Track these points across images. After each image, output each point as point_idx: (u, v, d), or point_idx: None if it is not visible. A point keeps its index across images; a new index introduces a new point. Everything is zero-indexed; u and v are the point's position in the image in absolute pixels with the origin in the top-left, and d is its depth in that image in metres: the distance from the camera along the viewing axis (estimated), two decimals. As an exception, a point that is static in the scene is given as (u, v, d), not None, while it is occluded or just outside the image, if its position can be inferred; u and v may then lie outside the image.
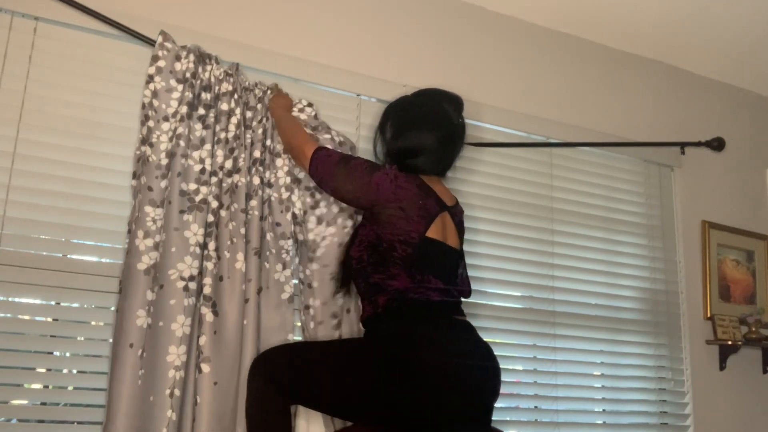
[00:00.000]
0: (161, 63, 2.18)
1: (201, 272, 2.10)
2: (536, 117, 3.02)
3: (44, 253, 2.15)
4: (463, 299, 2.13)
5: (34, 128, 2.18)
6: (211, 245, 2.11)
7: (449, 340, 1.94)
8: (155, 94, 2.15)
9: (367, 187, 2.03)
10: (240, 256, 2.15)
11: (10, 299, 2.11)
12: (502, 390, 2.72)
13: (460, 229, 2.21)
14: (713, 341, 3.17)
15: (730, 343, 3.11)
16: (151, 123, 2.14)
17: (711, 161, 3.43)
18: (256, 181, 2.24)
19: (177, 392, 1.97)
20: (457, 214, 2.20)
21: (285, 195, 2.27)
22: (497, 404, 2.71)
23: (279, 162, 2.30)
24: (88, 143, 2.23)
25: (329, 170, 2.08)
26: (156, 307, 2.02)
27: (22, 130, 2.16)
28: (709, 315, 3.21)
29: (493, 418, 2.65)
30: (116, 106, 2.28)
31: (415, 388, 1.83)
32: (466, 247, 2.74)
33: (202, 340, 2.05)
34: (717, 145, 3.11)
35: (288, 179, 2.29)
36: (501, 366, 2.71)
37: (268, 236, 2.23)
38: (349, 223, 2.30)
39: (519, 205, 2.92)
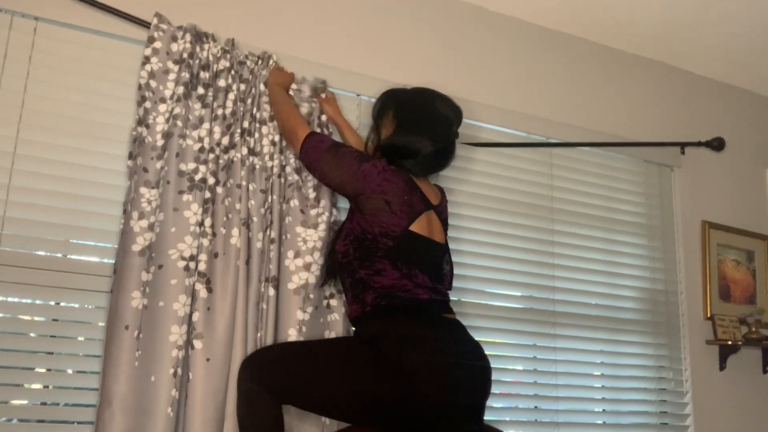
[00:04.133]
0: (157, 44, 2.19)
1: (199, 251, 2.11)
2: (536, 117, 3.02)
3: (44, 253, 2.15)
4: (450, 297, 2.14)
5: (34, 128, 2.18)
6: (207, 222, 2.12)
7: (438, 339, 1.94)
8: (152, 75, 2.17)
9: (355, 175, 2.04)
10: (235, 231, 2.16)
11: (10, 299, 2.11)
12: (502, 390, 2.74)
13: (445, 226, 2.23)
14: (713, 341, 3.16)
15: (730, 343, 3.11)
16: (147, 104, 2.15)
17: (711, 161, 3.43)
18: (244, 150, 2.26)
19: (179, 371, 1.99)
20: (442, 212, 2.21)
21: (269, 163, 2.28)
22: (497, 404, 2.74)
23: (264, 129, 2.31)
24: (88, 143, 2.23)
25: (318, 155, 2.09)
26: (154, 287, 2.03)
27: (22, 130, 2.16)
28: (709, 315, 3.21)
29: (493, 418, 2.66)
30: (116, 106, 2.28)
31: (404, 387, 1.83)
32: (465, 248, 2.76)
33: (195, 316, 2.05)
34: (717, 145, 3.11)
35: (272, 148, 2.30)
36: (501, 366, 2.74)
37: (250, 204, 2.23)
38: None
39: (519, 205, 2.91)
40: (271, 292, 2.19)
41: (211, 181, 2.15)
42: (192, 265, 2.07)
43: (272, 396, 1.92)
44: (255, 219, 2.22)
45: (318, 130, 2.43)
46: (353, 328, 2.12)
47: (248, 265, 2.18)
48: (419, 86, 2.27)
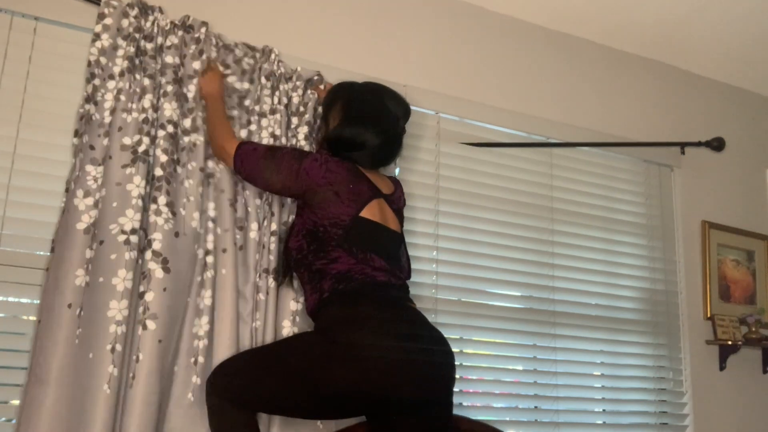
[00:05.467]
0: (108, 21, 2.16)
1: (143, 226, 2.07)
2: (536, 117, 3.02)
3: (44, 253, 2.14)
4: (408, 284, 2.13)
5: (34, 128, 2.18)
6: (162, 200, 2.08)
7: (400, 331, 1.90)
8: (102, 51, 2.14)
9: (297, 174, 2.05)
10: (196, 215, 2.14)
11: (10, 299, 2.11)
12: (502, 390, 2.74)
13: (400, 217, 2.24)
14: (713, 341, 3.17)
15: (730, 343, 3.11)
16: (96, 81, 2.13)
17: (711, 161, 3.43)
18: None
19: (118, 347, 1.96)
20: (395, 201, 2.22)
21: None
22: (497, 404, 2.74)
23: (264, 122, 2.32)
24: (88, 143, 2.23)
25: (256, 165, 2.09)
26: (95, 263, 2.00)
27: (22, 130, 2.16)
28: (709, 315, 3.21)
29: (493, 418, 2.67)
30: (116, 106, 2.28)
31: (364, 375, 1.81)
32: (465, 247, 2.76)
33: (150, 296, 2.01)
34: (717, 145, 3.11)
35: (272, 140, 2.30)
36: (501, 366, 2.74)
37: (246, 194, 2.23)
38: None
39: (519, 205, 2.92)
40: (272, 283, 2.20)
41: (163, 158, 2.11)
42: (133, 239, 2.03)
43: (238, 407, 1.92)
44: (249, 210, 2.23)
45: (317, 122, 2.43)
46: (313, 323, 2.09)
47: (243, 254, 2.19)
48: (370, 81, 2.30)
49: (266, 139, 2.30)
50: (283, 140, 2.33)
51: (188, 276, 2.10)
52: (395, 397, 1.84)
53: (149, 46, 2.20)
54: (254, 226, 2.23)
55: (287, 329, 2.19)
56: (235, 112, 2.32)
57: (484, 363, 2.73)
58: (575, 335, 2.92)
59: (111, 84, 2.13)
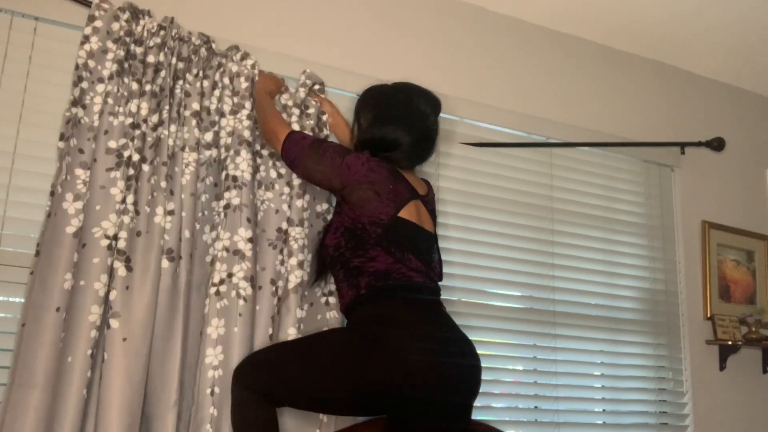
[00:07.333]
0: (98, 23, 2.16)
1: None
2: (536, 117, 3.03)
3: (44, 253, 2.15)
4: (447, 294, 2.14)
5: (35, 128, 2.18)
6: (129, 199, 2.07)
7: (433, 333, 1.93)
8: (91, 54, 2.13)
9: (339, 168, 2.07)
10: (159, 210, 2.12)
11: (10, 299, 2.11)
12: (502, 390, 2.74)
13: (433, 217, 2.25)
14: (713, 341, 3.17)
15: (730, 343, 3.11)
16: (84, 84, 2.12)
17: (711, 161, 3.43)
18: (205, 138, 2.24)
19: (94, 351, 1.97)
20: (429, 202, 2.24)
21: (224, 154, 2.26)
22: (497, 404, 2.74)
23: (223, 122, 2.28)
24: (88, 143, 2.23)
25: (301, 152, 2.11)
26: (78, 267, 1.99)
27: (22, 130, 2.16)
28: (709, 315, 3.21)
29: (493, 418, 2.67)
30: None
31: (396, 371, 1.82)
32: (465, 248, 2.77)
33: (113, 295, 2.00)
34: (717, 145, 3.11)
35: (229, 139, 2.27)
36: (501, 366, 2.75)
37: (203, 197, 2.22)
38: (286, 190, 2.29)
39: (519, 205, 2.92)
40: (271, 290, 2.18)
41: (135, 157, 2.11)
42: (115, 244, 2.04)
43: (267, 400, 1.92)
44: (205, 212, 2.22)
45: (324, 132, 2.43)
46: (347, 321, 2.11)
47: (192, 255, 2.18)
48: (399, 81, 2.31)
49: (224, 139, 2.28)
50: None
51: (154, 273, 2.06)
52: (426, 398, 1.86)
53: (139, 50, 2.19)
54: (206, 228, 2.21)
55: (293, 337, 2.17)
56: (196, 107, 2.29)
57: (484, 363, 2.72)
58: (575, 335, 2.92)
59: (100, 87, 2.12)
